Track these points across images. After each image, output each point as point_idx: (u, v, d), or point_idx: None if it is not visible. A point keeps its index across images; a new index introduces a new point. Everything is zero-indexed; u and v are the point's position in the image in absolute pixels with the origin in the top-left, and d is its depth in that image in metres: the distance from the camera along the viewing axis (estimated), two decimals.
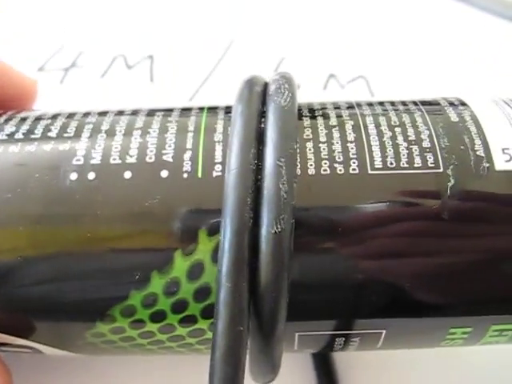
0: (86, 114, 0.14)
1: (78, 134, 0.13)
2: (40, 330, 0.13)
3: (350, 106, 0.14)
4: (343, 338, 0.13)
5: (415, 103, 0.14)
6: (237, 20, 0.26)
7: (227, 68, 0.24)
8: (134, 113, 0.14)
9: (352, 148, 0.12)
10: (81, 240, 0.12)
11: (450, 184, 0.12)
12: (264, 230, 0.11)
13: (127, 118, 0.13)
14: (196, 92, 0.23)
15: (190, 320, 0.12)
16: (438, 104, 0.14)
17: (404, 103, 0.14)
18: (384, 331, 0.13)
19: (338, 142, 0.12)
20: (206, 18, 0.26)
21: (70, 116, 0.14)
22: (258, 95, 0.12)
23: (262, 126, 0.12)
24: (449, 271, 0.12)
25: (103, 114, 0.14)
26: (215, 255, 0.11)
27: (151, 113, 0.13)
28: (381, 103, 0.14)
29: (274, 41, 0.25)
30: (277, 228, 0.11)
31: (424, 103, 0.14)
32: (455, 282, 0.12)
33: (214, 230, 0.12)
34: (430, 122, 0.13)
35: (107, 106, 0.14)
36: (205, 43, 0.25)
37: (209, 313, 0.12)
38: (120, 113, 0.14)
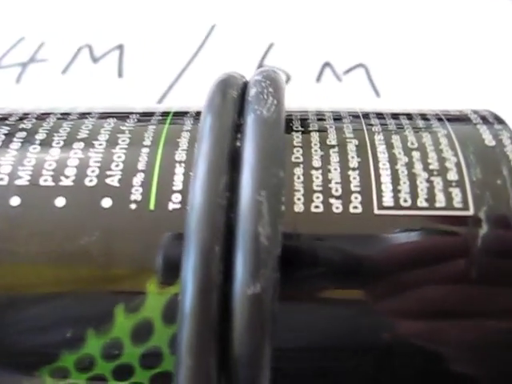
0: (23, 118, 0.11)
1: (5, 144, 0.11)
2: None
3: (355, 117, 0.11)
4: None
5: (438, 118, 0.11)
6: (219, 1, 0.23)
7: (208, 57, 0.22)
8: (82, 117, 0.11)
9: (355, 178, 0.10)
10: None
11: (482, 232, 0.09)
12: (237, 289, 0.08)
13: (71, 125, 0.11)
14: (171, 87, 0.21)
15: None
16: (468, 120, 0.11)
17: (424, 117, 0.11)
18: None
19: (336, 169, 0.10)
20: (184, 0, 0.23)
21: (2, 119, 0.11)
22: (233, 102, 0.10)
23: (238, 144, 0.09)
24: (469, 341, 0.10)
25: (44, 117, 0.11)
26: (168, 313, 0.09)
27: (102, 118, 0.11)
28: (394, 116, 0.11)
29: (262, 24, 0.23)
30: (254, 287, 0.08)
31: (450, 118, 0.11)
32: (481, 353, 0.10)
33: (167, 281, 0.09)
34: (457, 146, 0.10)
35: (53, 107, 0.12)
36: (182, 28, 0.23)
37: (161, 382, 0.10)
38: (65, 117, 0.11)
